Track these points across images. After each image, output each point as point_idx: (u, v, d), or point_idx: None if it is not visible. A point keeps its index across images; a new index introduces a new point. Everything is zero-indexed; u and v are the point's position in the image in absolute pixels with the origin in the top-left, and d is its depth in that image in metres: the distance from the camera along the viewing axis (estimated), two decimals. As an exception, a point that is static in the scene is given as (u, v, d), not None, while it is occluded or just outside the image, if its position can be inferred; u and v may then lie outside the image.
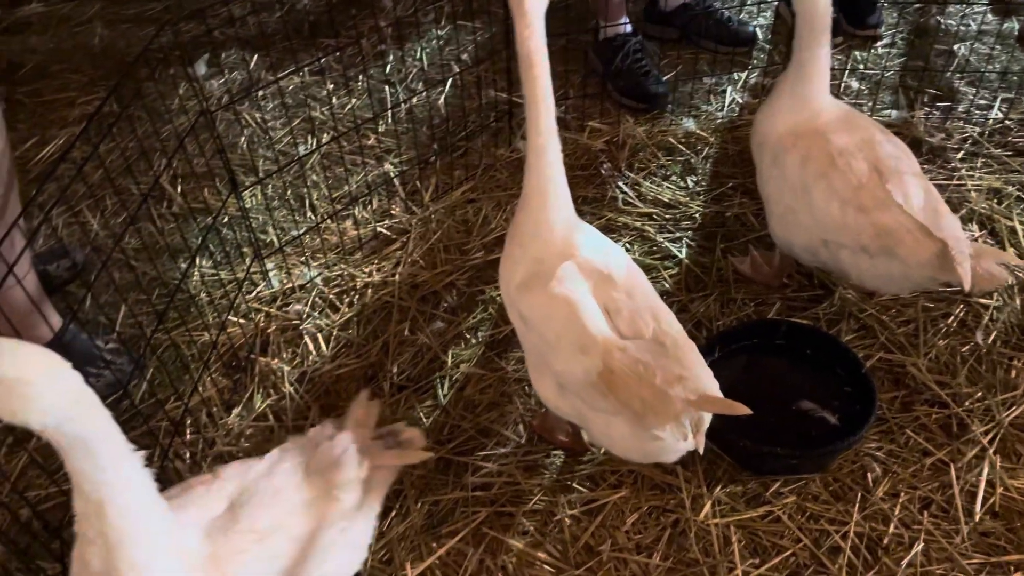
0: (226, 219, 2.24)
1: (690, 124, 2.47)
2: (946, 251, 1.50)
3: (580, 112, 2.52)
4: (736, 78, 2.63)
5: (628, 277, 1.41)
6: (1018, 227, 2.04)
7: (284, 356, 1.91)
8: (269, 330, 1.96)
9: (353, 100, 2.64)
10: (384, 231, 2.19)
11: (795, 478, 1.60)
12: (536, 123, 1.39)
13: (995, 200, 2.13)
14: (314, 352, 1.91)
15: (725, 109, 2.53)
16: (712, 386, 1.32)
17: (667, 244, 2.10)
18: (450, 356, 1.87)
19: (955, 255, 1.49)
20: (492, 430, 1.73)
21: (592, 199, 2.24)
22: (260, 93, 2.67)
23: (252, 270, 2.08)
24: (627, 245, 2.11)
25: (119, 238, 1.64)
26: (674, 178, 2.30)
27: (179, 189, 2.35)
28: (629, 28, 2.61)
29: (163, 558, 1.09)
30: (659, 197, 2.24)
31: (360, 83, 2.71)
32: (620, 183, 2.27)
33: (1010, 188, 2.15)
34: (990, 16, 2.82)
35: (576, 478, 1.64)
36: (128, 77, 1.65)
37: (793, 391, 1.70)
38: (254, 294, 2.04)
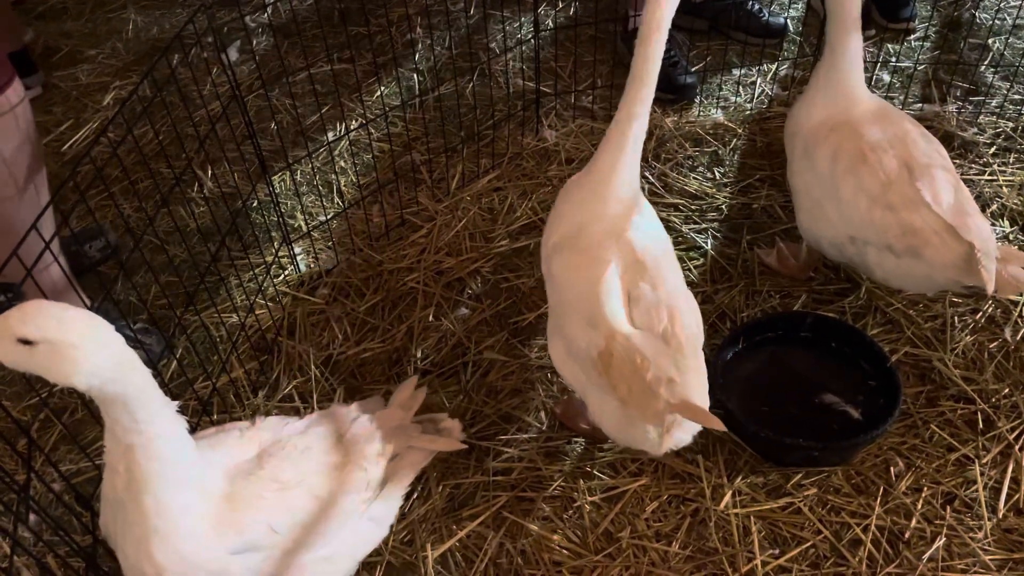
0: (255, 203, 2.27)
1: (718, 115, 2.46)
2: (972, 254, 1.48)
3: (608, 102, 2.51)
4: (766, 70, 2.61)
5: (657, 268, 1.41)
6: None
7: (310, 339, 1.93)
8: (296, 313, 1.98)
9: (382, 88, 2.66)
10: (410, 218, 2.20)
11: (817, 470, 1.60)
12: (631, 96, 1.42)
13: (1029, 196, 2.11)
14: (340, 336, 1.94)
15: (754, 101, 2.51)
16: (700, 395, 1.33)
17: (693, 235, 2.09)
18: (473, 342, 1.89)
19: (980, 258, 1.47)
20: (514, 416, 1.75)
21: (618, 189, 2.23)
22: (290, 80, 2.70)
23: (280, 254, 2.11)
24: (652, 235, 2.10)
25: (151, 220, 1.67)
26: (701, 169, 2.30)
27: (210, 173, 2.38)
28: (659, 18, 2.59)
29: (184, 494, 1.15)
30: (686, 188, 2.23)
31: (389, 71, 2.72)
32: (647, 173, 2.27)
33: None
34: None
35: (597, 465, 1.65)
36: (161, 62, 1.68)
37: (817, 384, 1.70)
38: (282, 278, 2.07)
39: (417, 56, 2.79)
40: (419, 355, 1.87)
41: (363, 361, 1.89)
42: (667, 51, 2.48)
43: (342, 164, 2.40)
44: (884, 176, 1.60)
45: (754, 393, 1.70)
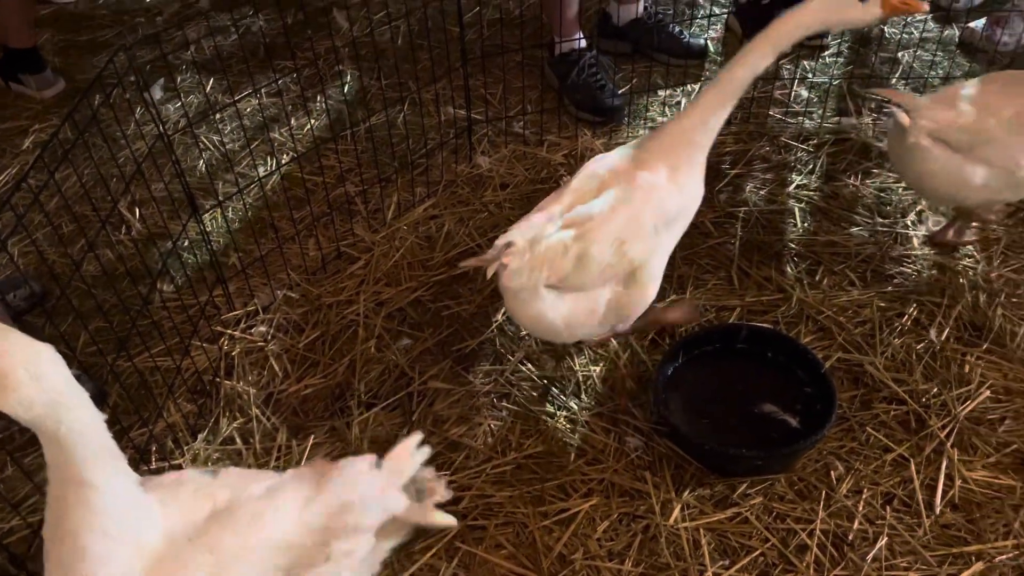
0: (187, 243, 2.22)
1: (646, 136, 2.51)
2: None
3: (539, 127, 2.55)
4: (689, 90, 2.68)
5: (618, 212, 1.56)
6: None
7: (249, 379, 1.90)
8: (233, 353, 1.94)
9: (312, 121, 2.64)
10: (347, 250, 2.19)
11: (761, 479, 1.63)
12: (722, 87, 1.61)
13: (943, 201, 2.20)
14: (280, 374, 1.90)
15: (680, 120, 2.57)
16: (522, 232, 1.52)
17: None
18: (417, 372, 1.88)
19: None
20: (461, 444, 1.74)
21: (553, 212, 2.26)
22: (218, 116, 2.66)
23: (215, 293, 2.07)
24: (589, 256, 2.13)
25: (77, 265, 1.62)
26: (633, 189, 2.34)
27: (138, 214, 2.33)
28: (583, 43, 2.65)
29: (112, 546, 1.06)
30: (619, 208, 2.27)
31: (318, 103, 2.71)
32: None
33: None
34: (931, 24, 2.91)
35: (547, 488, 1.65)
36: (82, 104, 1.64)
37: (756, 394, 1.73)
38: (217, 317, 2.03)
39: (346, 88, 2.79)
40: (362, 388, 1.85)
41: (305, 398, 1.86)
42: (594, 75, 2.58)
43: (275, 199, 2.37)
44: None
45: (696, 407, 1.73)
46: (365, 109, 2.67)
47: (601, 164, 1.65)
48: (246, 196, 2.36)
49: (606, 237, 1.54)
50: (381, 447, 1.74)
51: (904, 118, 1.80)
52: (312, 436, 1.78)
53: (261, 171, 2.46)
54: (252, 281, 2.12)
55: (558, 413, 1.79)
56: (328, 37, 3.02)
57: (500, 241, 1.50)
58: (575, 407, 1.80)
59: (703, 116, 1.63)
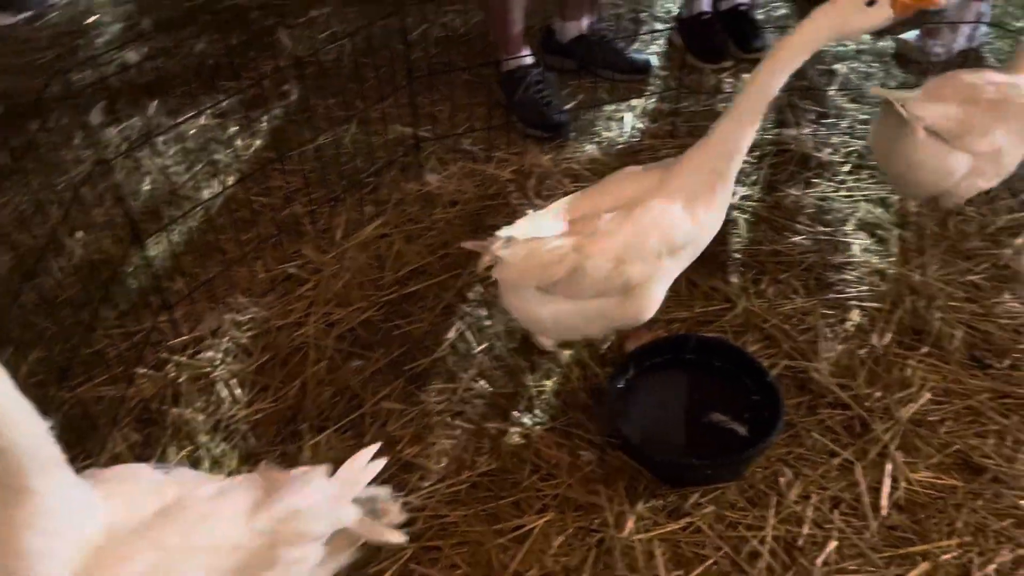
0: (130, 268, 2.18)
1: (593, 150, 2.54)
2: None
3: (487, 143, 2.56)
4: (634, 105, 2.72)
5: (637, 220, 1.61)
6: (901, 232, 2.17)
7: (197, 405, 1.86)
8: (180, 380, 1.91)
9: (257, 141, 2.62)
10: (296, 272, 2.17)
11: (712, 488, 1.65)
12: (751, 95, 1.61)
13: (882, 208, 2.26)
14: (228, 399, 1.87)
15: (625, 135, 2.61)
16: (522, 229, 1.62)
17: (578, 268, 2.14)
18: (369, 393, 1.87)
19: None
20: (415, 464, 1.73)
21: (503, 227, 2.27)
22: (161, 139, 2.62)
23: (160, 319, 2.03)
24: (539, 271, 2.14)
25: (15, 295, 1.58)
26: (581, 203, 2.36)
27: (79, 238, 2.27)
28: (530, 60, 2.67)
29: (50, 541, 1.04)
30: (568, 223, 2.28)
31: (264, 123, 2.69)
32: (529, 210, 2.31)
33: (893, 196, 2.28)
34: (866, 36, 3.00)
35: (502, 506, 1.65)
36: (19, 129, 1.61)
37: (705, 403, 1.75)
38: (163, 344, 1.99)
39: (292, 107, 2.77)
40: (314, 411, 1.83)
41: (255, 423, 1.83)
42: (540, 91, 2.60)
43: (221, 221, 2.34)
44: None
45: (648, 418, 1.74)
46: (312, 128, 2.66)
47: (628, 177, 1.69)
48: (191, 219, 2.33)
49: (604, 254, 1.58)
50: (333, 471, 1.73)
51: (904, 111, 1.86)
52: (263, 462, 1.74)
53: (206, 193, 2.43)
54: (199, 306, 2.09)
55: (512, 429, 1.79)
56: (273, 57, 3.00)
57: (502, 232, 1.57)
58: (528, 422, 1.80)
59: (722, 144, 1.62)
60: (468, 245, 1.63)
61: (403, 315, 2.05)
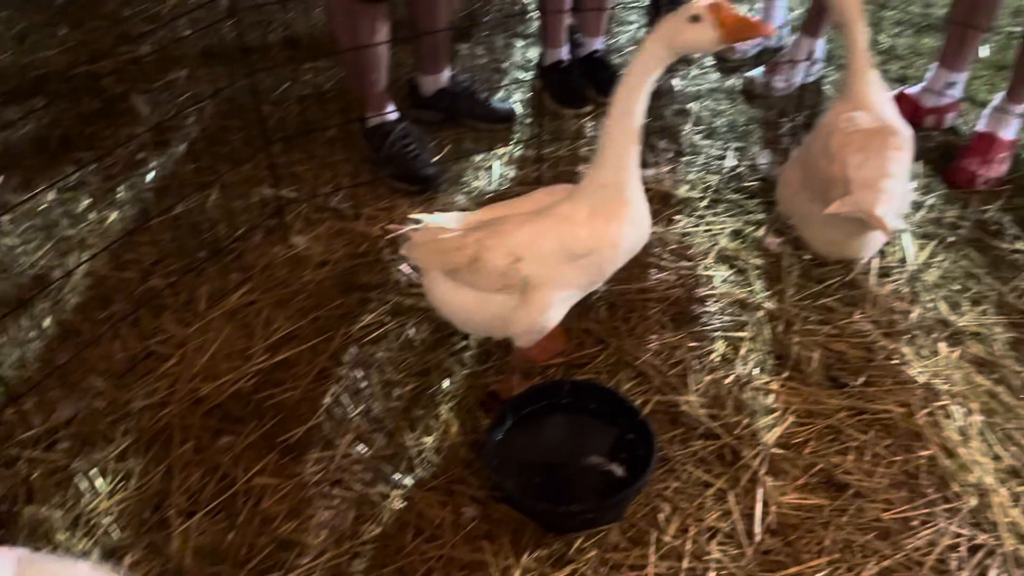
0: (-26, 359, 2.04)
1: (463, 201, 2.56)
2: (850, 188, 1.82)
3: (355, 201, 2.54)
4: (500, 153, 2.76)
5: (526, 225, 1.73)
6: (758, 261, 2.27)
7: (54, 501, 1.75)
8: (34, 476, 1.79)
9: (113, 213, 2.51)
10: (157, 348, 2.08)
11: (595, 531, 1.66)
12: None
13: (738, 240, 2.36)
14: (89, 491, 1.76)
15: (494, 183, 2.64)
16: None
17: (452, 321, 2.14)
18: (241, 470, 1.79)
19: (859, 194, 1.80)
20: (293, 541, 1.67)
21: (376, 285, 2.25)
22: (7, 218, 2.48)
23: (7, 412, 1.90)
24: (416, 327, 2.13)
25: None
26: (453, 254, 2.37)
27: (-85, 333, 2.12)
28: (395, 115, 2.68)
29: None
30: (441, 275, 2.28)
31: (120, 194, 2.59)
32: (402, 265, 2.30)
33: (749, 228, 2.39)
34: (716, 75, 3.16)
35: (386, 574, 1.61)
36: None
37: (583, 447, 1.77)
38: (12, 439, 1.86)
39: (151, 175, 2.68)
40: (182, 495, 1.75)
41: (119, 514, 1.73)
42: (407, 145, 2.60)
43: (75, 301, 2.23)
44: (840, 139, 1.90)
45: (528, 468, 1.74)
46: (171, 196, 2.57)
47: (542, 192, 1.83)
48: (41, 301, 2.20)
49: (501, 248, 1.69)
50: (207, 557, 1.65)
51: (874, 221, 1.78)
52: (129, 555, 1.66)
53: (58, 272, 2.30)
54: (52, 394, 1.96)
55: (393, 493, 1.76)
56: (128, 124, 2.90)
57: (417, 217, 1.74)
58: (410, 483, 1.77)
59: (606, 167, 1.72)
60: (391, 227, 1.89)
61: (275, 384, 1.99)
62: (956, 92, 2.71)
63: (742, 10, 1.64)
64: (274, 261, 2.33)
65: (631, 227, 1.76)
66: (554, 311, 1.77)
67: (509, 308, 1.75)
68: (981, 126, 2.58)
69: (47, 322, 2.16)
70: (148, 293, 2.21)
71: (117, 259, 2.31)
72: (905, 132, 1.96)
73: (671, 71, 3.14)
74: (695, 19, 1.59)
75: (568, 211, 1.72)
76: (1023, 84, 2.51)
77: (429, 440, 1.86)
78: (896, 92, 2.77)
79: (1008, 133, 2.54)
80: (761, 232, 2.35)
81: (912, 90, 2.80)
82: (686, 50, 1.66)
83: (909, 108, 2.72)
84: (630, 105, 1.69)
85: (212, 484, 1.77)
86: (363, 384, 1.99)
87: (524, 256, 1.69)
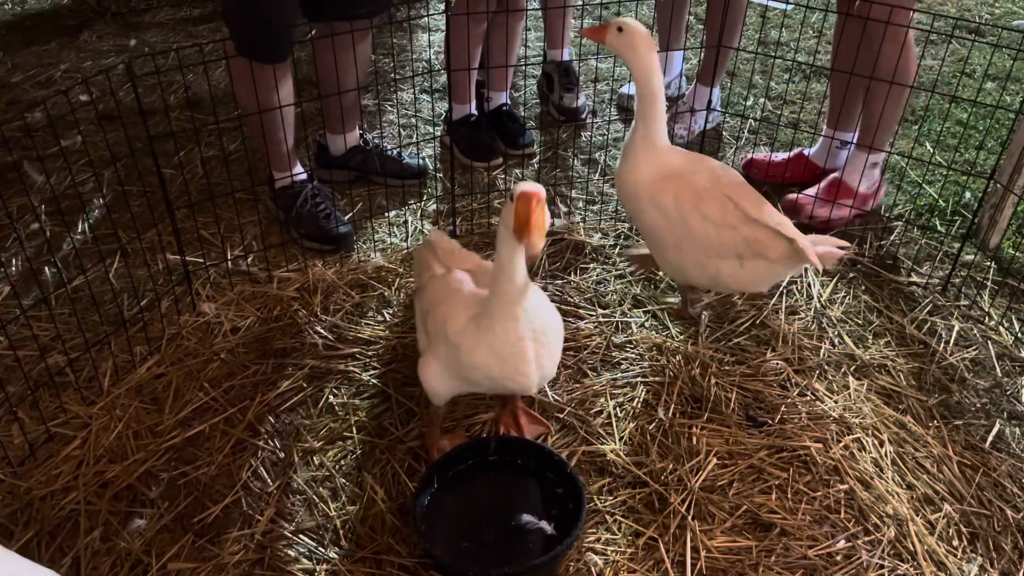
0: None
1: (378, 259, 2.54)
2: (796, 246, 1.94)
3: (266, 263, 2.48)
4: (415, 208, 2.76)
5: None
6: (672, 301, 2.32)
7: (-55, 607, 1.61)
8: (-79, 580, 1.64)
9: (5, 288, 2.38)
10: (59, 430, 1.96)
11: (530, 591, 1.64)
12: None
13: (651, 286, 2.41)
14: (-15, 592, 1.63)
15: (409, 239, 2.63)
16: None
17: (374, 381, 2.10)
18: (154, 556, 1.70)
19: (803, 247, 1.94)
20: (213, 628, 1.58)
21: (292, 349, 2.19)
22: None
23: None
24: (334, 390, 2.08)
25: None
26: (371, 314, 2.34)
27: None
28: (304, 176, 2.64)
29: None
30: (359, 335, 2.25)
31: (13, 268, 2.46)
32: (319, 327, 2.25)
33: (661, 272, 2.44)
34: (619, 125, 3.25)
35: (313, 656, 1.54)
36: None
37: (512, 506, 1.75)
38: None
39: (46, 247, 2.56)
40: (90, 588, 1.64)
41: (19, 615, 1.60)
42: (318, 204, 2.57)
43: (-35, 385, 2.09)
44: (719, 206, 1.99)
45: (456, 531, 1.71)
46: (69, 268, 2.46)
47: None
48: (-72, 387, 2.05)
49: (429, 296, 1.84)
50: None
51: (816, 263, 1.97)
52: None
53: (-55, 355, 2.16)
54: (-59, 487, 1.83)
55: (318, 568, 1.69)
56: (23, 193, 2.78)
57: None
58: (335, 556, 1.71)
59: (498, 295, 1.63)
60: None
61: (187, 461, 1.90)
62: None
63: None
64: (182, 331, 2.25)
65: (489, 355, 1.65)
66: (433, 380, 1.78)
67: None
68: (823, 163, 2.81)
69: (-66, 410, 2.02)
70: (47, 372, 2.09)
71: (11, 338, 2.19)
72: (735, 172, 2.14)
73: (580, 122, 3.22)
74: (510, 199, 1.53)
75: (469, 300, 1.75)
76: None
77: (353, 509, 1.80)
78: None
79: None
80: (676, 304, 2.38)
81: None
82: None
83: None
84: (511, 274, 1.58)
85: (124, 573, 1.67)
86: (282, 455, 1.92)
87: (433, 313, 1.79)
